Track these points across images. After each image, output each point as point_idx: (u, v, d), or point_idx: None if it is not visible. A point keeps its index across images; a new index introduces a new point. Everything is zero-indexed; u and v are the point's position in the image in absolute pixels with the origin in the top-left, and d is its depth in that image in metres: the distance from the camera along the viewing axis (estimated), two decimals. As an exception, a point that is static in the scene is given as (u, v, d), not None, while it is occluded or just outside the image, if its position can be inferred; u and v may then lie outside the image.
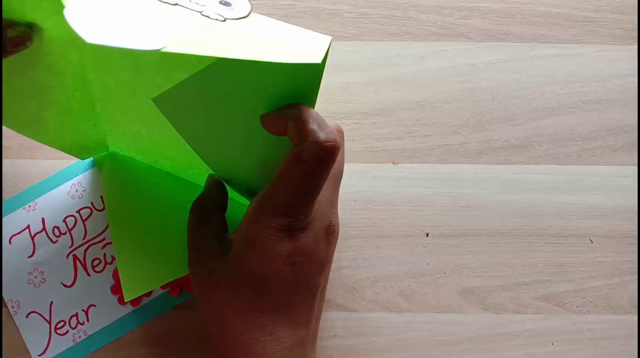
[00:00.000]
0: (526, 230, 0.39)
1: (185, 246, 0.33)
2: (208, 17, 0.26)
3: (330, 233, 0.31)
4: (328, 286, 0.38)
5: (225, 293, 0.31)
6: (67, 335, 0.37)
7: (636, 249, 0.39)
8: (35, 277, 0.37)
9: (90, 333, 0.37)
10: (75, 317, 0.37)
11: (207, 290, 0.31)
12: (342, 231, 0.39)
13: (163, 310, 0.37)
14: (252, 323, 0.30)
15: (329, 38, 0.25)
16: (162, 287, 0.38)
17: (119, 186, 0.38)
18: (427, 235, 0.39)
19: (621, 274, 0.39)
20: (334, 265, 0.38)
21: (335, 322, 0.38)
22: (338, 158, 0.30)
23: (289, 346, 0.30)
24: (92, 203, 0.38)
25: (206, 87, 0.28)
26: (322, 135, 0.27)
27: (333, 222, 0.32)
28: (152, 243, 0.37)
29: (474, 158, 0.39)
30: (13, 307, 0.37)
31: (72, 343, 0.37)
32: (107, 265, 0.38)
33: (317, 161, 0.27)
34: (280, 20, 0.27)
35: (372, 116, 0.39)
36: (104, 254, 0.38)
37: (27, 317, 0.37)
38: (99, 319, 0.37)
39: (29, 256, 0.38)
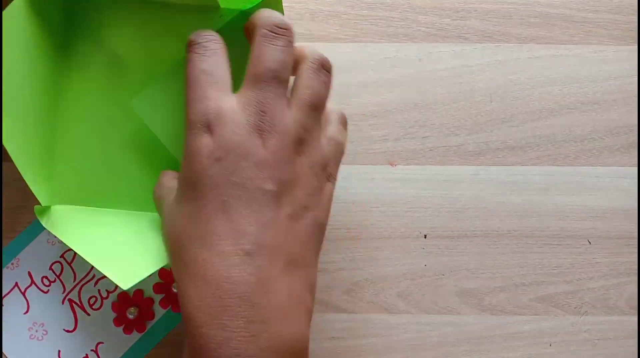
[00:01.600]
0: (524, 231, 0.39)
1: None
2: None
3: (260, 131, 0.28)
4: (326, 289, 0.38)
5: (169, 211, 0.30)
6: None
7: (634, 250, 0.39)
8: (37, 331, 0.37)
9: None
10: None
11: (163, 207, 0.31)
12: (340, 233, 0.39)
13: (170, 329, 0.38)
14: (189, 237, 0.28)
15: None
16: (163, 306, 0.38)
17: (71, 227, 0.36)
18: (425, 237, 0.39)
19: (619, 275, 0.39)
20: (331, 266, 0.38)
21: (333, 324, 0.38)
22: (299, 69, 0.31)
23: (235, 262, 0.27)
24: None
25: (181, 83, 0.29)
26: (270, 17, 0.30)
27: (261, 122, 0.28)
28: (123, 244, 0.36)
29: (471, 159, 0.39)
30: None
31: None
32: (103, 300, 0.38)
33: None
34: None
35: (369, 117, 0.39)
36: (98, 290, 0.38)
37: None
38: (110, 354, 0.37)
39: (25, 313, 0.37)
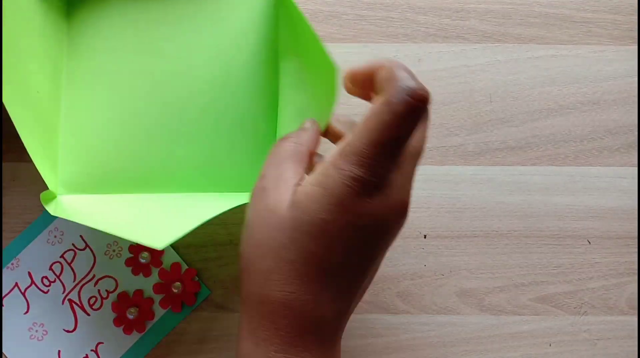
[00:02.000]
0: (524, 231, 0.39)
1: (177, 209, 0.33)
2: None
3: (402, 214, 0.28)
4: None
5: (280, 235, 0.27)
6: None
7: (634, 250, 0.39)
8: (37, 331, 0.37)
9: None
10: None
11: (264, 224, 0.28)
12: (340, 233, 0.39)
13: (170, 329, 0.38)
14: (295, 270, 0.27)
15: None
16: (163, 306, 0.38)
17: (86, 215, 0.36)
18: (425, 237, 0.39)
19: (619, 275, 0.39)
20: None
21: (333, 324, 0.38)
22: (421, 134, 0.28)
23: (328, 316, 0.28)
24: (73, 243, 0.38)
25: None
26: (414, 82, 0.26)
27: (407, 201, 0.28)
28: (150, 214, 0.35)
29: (471, 159, 0.39)
30: None
31: None
32: (103, 300, 0.38)
33: (407, 108, 0.26)
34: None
35: (369, 118, 0.39)
36: (98, 290, 0.38)
37: None
38: (110, 354, 0.37)
39: (25, 313, 0.37)
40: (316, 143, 0.31)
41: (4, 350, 0.37)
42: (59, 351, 0.37)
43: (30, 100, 0.34)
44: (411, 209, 0.39)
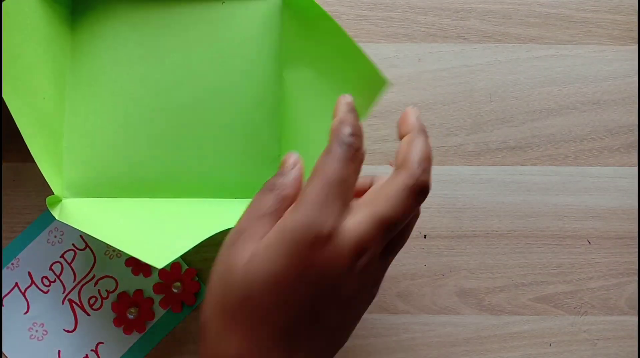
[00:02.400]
0: (524, 231, 0.39)
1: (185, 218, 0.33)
2: None
3: (359, 261, 0.26)
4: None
5: (234, 290, 0.26)
6: None
7: (634, 250, 0.39)
8: (37, 331, 0.37)
9: None
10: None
11: (220, 281, 0.27)
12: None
13: (170, 329, 0.38)
14: (249, 330, 0.26)
15: None
16: (163, 306, 0.38)
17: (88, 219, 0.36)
18: (425, 237, 0.39)
19: (619, 275, 0.39)
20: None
21: (333, 324, 0.38)
22: (389, 184, 0.28)
23: None
24: (73, 244, 0.38)
25: None
26: (350, 137, 0.28)
27: (365, 250, 0.26)
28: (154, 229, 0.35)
29: (471, 159, 0.39)
30: None
31: None
32: (103, 300, 0.38)
33: (345, 155, 0.27)
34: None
35: (369, 117, 0.39)
36: (98, 290, 0.38)
37: None
38: (110, 355, 0.37)
39: (25, 313, 0.37)
40: (299, 184, 0.29)
41: (4, 350, 0.37)
42: (59, 351, 0.37)
43: (36, 106, 0.34)
44: (411, 209, 0.39)
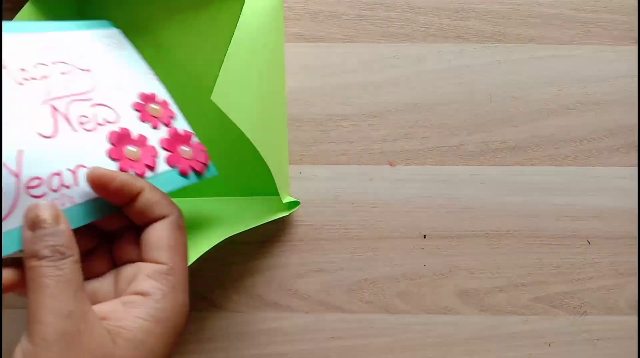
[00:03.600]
0: (523, 232, 0.39)
1: None
2: None
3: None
4: (326, 289, 0.38)
5: None
6: (44, 198, 0.27)
7: (633, 250, 0.39)
8: None
9: (78, 201, 0.28)
10: (58, 176, 0.28)
11: None
12: (340, 233, 0.39)
13: (168, 189, 0.31)
14: None
15: None
16: (171, 162, 0.33)
17: None
18: (425, 237, 0.39)
19: (619, 275, 0.39)
20: (331, 266, 0.39)
21: (333, 324, 0.38)
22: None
23: None
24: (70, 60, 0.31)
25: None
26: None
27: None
28: None
29: (471, 159, 0.39)
30: None
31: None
32: (99, 126, 0.30)
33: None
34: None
35: (369, 117, 0.39)
36: (94, 114, 0.30)
37: None
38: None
39: None
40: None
41: None
42: (21, 151, 0.27)
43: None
44: (411, 209, 0.39)
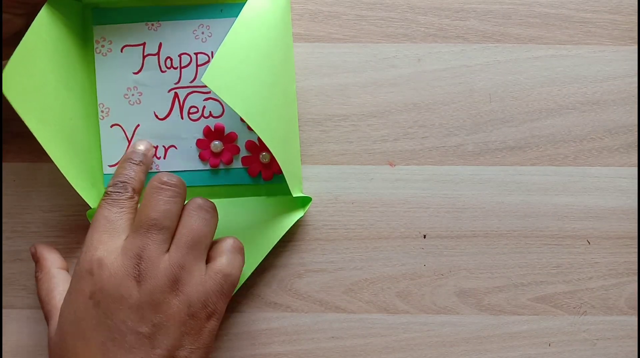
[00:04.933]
0: (523, 232, 0.39)
1: None
2: None
3: (135, 275, 0.31)
4: (325, 289, 0.38)
5: (51, 342, 0.32)
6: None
7: (633, 250, 0.39)
8: (133, 95, 0.38)
9: (161, 169, 0.38)
10: (154, 149, 0.38)
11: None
12: (340, 233, 0.39)
13: (235, 182, 0.38)
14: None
15: None
16: (244, 164, 0.38)
17: None
18: (425, 237, 0.39)
19: (618, 275, 0.39)
20: (331, 266, 0.39)
21: (332, 324, 0.38)
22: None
23: None
24: (212, 52, 0.38)
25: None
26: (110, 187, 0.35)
27: (136, 264, 0.31)
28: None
29: (471, 159, 0.39)
30: (102, 112, 0.38)
31: None
32: (202, 117, 0.38)
33: (106, 201, 0.34)
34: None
35: (369, 117, 0.39)
36: (204, 107, 0.38)
37: (111, 127, 0.38)
38: (174, 161, 0.38)
39: (135, 73, 0.38)
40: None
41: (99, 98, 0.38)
42: (138, 125, 0.38)
43: (64, 129, 0.36)
44: (411, 209, 0.39)
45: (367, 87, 0.40)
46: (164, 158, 0.38)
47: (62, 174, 0.35)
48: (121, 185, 0.34)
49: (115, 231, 0.32)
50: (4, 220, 0.39)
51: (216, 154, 0.38)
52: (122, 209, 0.33)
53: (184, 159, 0.38)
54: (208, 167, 0.38)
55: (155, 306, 0.30)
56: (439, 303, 0.38)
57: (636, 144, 0.40)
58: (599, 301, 0.39)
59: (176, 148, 0.38)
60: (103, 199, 0.34)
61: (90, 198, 0.37)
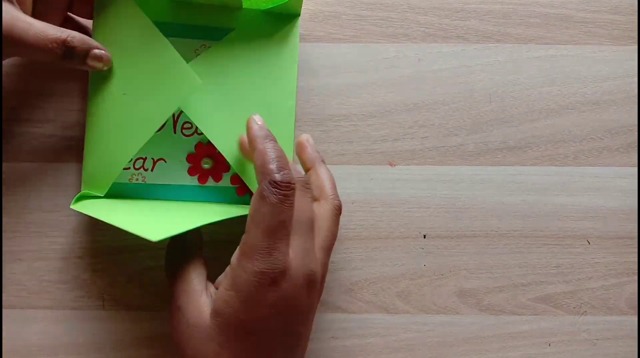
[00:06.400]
0: (523, 232, 0.39)
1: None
2: None
3: (310, 281, 0.31)
4: (326, 289, 0.39)
5: (211, 345, 0.30)
6: (127, 171, 0.37)
7: (633, 250, 0.39)
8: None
9: (148, 181, 0.38)
10: (142, 160, 0.38)
11: (192, 339, 0.31)
12: (340, 233, 0.39)
13: (222, 200, 0.38)
14: None
15: None
16: (233, 182, 0.38)
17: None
18: (425, 237, 0.39)
19: (618, 275, 0.39)
20: (331, 266, 0.39)
21: (332, 324, 0.38)
22: (321, 213, 0.33)
23: None
24: None
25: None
26: (278, 176, 0.30)
27: (313, 270, 0.31)
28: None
29: (471, 159, 0.39)
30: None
31: (126, 181, 0.37)
32: (195, 134, 0.38)
33: (278, 198, 0.30)
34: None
35: (369, 117, 0.39)
36: (195, 128, 0.38)
37: None
38: (162, 175, 0.38)
39: None
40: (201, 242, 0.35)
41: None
42: None
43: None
44: (411, 209, 0.39)
45: (367, 87, 0.40)
46: (152, 170, 0.38)
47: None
48: (287, 177, 0.30)
49: (287, 235, 0.31)
50: (4, 220, 0.39)
51: (206, 171, 0.38)
52: (291, 209, 0.31)
53: (172, 173, 0.38)
54: (196, 183, 0.38)
55: (313, 310, 0.33)
56: (439, 303, 0.38)
57: (636, 144, 0.40)
58: (599, 301, 0.39)
59: (165, 161, 0.38)
60: (273, 194, 0.30)
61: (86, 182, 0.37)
